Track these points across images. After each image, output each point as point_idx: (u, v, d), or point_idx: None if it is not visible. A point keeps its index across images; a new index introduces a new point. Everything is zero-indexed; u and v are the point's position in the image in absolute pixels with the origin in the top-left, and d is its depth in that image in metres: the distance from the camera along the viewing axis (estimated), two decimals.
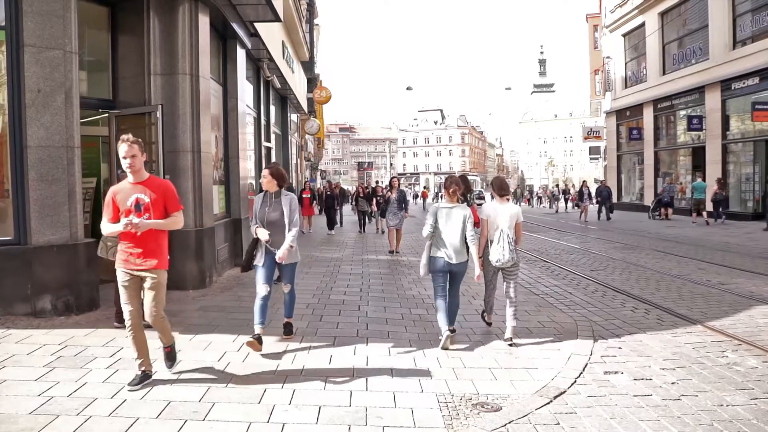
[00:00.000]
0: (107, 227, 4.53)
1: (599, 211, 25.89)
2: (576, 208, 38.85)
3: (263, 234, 5.53)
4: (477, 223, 6.18)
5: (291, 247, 5.58)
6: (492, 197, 6.44)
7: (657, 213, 24.25)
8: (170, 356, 4.85)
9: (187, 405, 4.16)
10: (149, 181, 4.58)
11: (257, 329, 5.58)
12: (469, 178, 12.85)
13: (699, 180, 22.10)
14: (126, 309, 4.52)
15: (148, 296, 4.52)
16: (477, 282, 6.31)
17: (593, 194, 28.62)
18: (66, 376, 4.67)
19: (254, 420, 3.93)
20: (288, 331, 6.07)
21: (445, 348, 5.67)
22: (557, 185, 50.10)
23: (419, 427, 3.88)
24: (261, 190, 5.99)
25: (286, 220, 5.62)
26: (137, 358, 4.59)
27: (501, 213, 6.00)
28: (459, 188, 6.09)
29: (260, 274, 5.68)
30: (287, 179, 5.95)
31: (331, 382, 4.72)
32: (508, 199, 6.25)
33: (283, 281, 5.98)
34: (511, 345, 5.81)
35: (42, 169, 6.69)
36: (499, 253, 5.89)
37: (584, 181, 28.30)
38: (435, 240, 5.87)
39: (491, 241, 5.99)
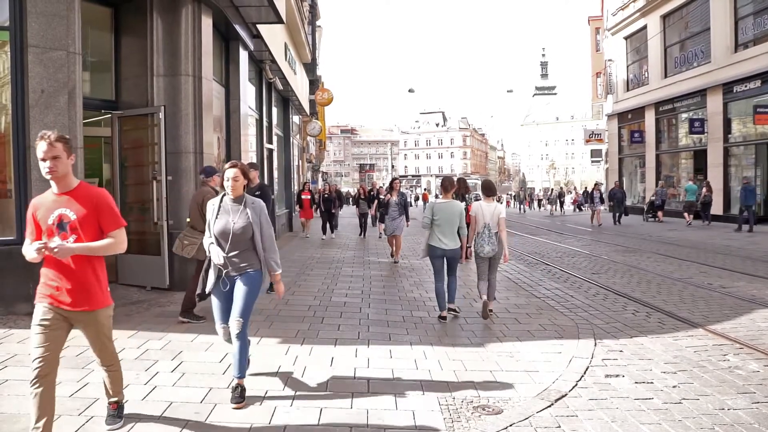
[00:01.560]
0: (26, 250, 3.43)
1: (614, 215, 24.39)
2: (579, 210, 38.89)
3: (218, 255, 4.20)
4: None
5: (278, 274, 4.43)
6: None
7: (650, 215, 24.98)
8: (119, 413, 3.82)
9: (188, 406, 4.17)
10: (78, 191, 3.42)
11: (236, 380, 4.35)
12: (468, 181, 12.72)
13: (690, 183, 23.24)
14: (35, 354, 3.33)
15: (90, 340, 3.58)
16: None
17: (605, 197, 27.45)
18: (67, 377, 4.67)
19: (256, 421, 3.94)
20: (239, 396, 4.24)
21: (442, 318, 6.99)
22: (552, 189, 50.50)
23: (420, 430, 3.89)
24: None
25: (258, 236, 4.30)
26: (35, 424, 3.31)
27: (486, 210, 7.04)
28: (453, 187, 7.32)
29: (217, 309, 4.42)
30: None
31: (332, 384, 4.73)
32: (493, 200, 7.32)
33: (233, 314, 4.28)
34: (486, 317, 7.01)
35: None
36: (479, 245, 6.99)
37: (596, 183, 27.66)
38: (432, 230, 7.02)
39: (478, 233, 7.03)
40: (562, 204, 39.27)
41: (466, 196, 11.28)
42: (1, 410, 3.99)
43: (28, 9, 6.59)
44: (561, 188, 48.60)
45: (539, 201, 52.71)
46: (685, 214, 22.32)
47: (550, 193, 45.78)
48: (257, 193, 7.70)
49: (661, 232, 19.62)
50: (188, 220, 7.08)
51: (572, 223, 26.20)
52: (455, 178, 8.51)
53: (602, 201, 25.14)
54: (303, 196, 18.43)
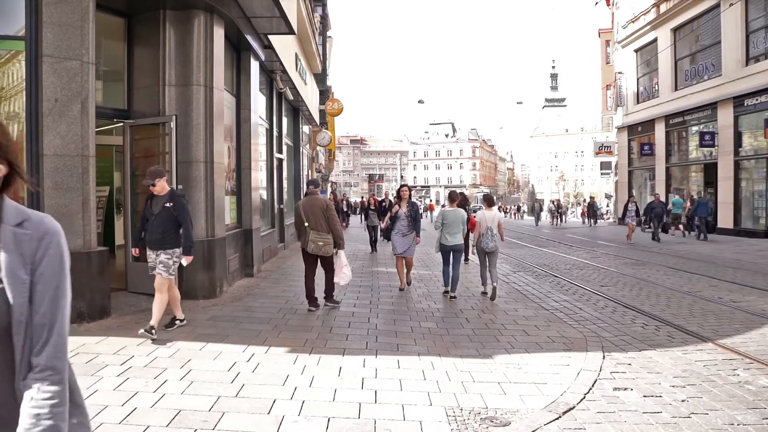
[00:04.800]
0: None
1: (653, 231, 21.81)
2: (590, 222, 38.74)
3: None
4: (472, 228, 10.49)
5: None
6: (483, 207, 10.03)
7: (648, 227, 25.13)
8: None
9: (196, 414, 4.18)
10: None
11: None
12: (476, 193, 13.43)
13: (677, 197, 24.63)
14: None
15: None
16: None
17: (636, 210, 23.48)
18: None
19: (263, 430, 3.95)
20: None
21: (446, 292, 9.41)
22: (554, 201, 50.73)
23: None
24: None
25: (20, 320, 1.41)
26: None
27: (488, 217, 9.30)
28: (458, 198, 9.85)
29: None
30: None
31: (340, 394, 4.73)
32: (493, 209, 9.74)
33: None
34: (484, 294, 9.47)
35: (57, 178, 6.77)
36: (484, 243, 9.24)
37: (631, 197, 26.13)
38: (442, 231, 9.27)
39: (481, 234, 9.26)
40: (561, 216, 39.43)
41: (467, 207, 12.76)
42: None
43: (43, 19, 6.67)
44: (559, 201, 49.05)
45: (552, 212, 52.81)
46: (673, 228, 23.63)
47: (550, 205, 46.09)
48: (167, 204, 6.52)
49: (670, 245, 19.51)
50: (306, 224, 7.94)
51: (580, 234, 26.08)
52: (459, 192, 10.61)
53: (638, 215, 22.68)
54: None
